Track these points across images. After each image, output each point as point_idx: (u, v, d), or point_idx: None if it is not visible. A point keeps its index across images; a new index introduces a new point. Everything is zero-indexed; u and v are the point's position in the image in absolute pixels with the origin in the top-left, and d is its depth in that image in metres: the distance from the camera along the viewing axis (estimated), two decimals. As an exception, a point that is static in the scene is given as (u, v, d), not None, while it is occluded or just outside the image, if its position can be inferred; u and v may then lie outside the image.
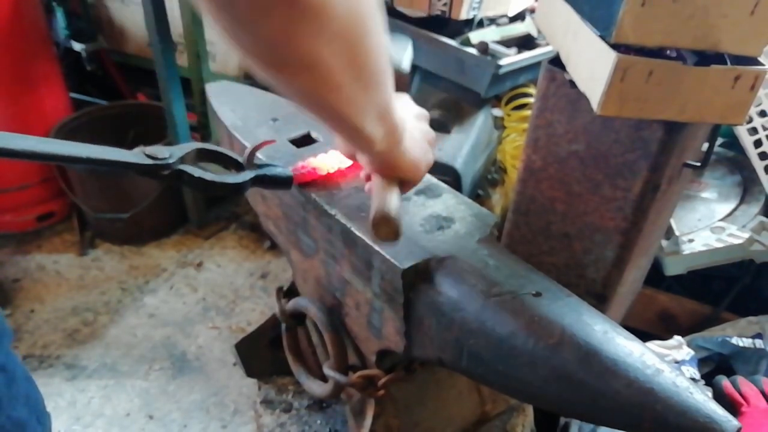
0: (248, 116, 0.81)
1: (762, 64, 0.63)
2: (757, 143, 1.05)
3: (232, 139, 0.79)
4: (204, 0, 0.27)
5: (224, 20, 0.28)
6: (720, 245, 1.02)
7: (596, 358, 0.45)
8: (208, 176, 0.50)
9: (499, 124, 1.33)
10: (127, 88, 1.96)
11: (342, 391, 0.76)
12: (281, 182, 0.58)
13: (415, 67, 1.34)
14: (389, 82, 0.38)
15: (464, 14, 1.20)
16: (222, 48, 1.66)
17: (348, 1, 0.29)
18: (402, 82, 0.54)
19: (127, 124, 1.65)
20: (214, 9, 0.28)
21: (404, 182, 0.49)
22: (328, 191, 0.64)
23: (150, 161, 0.50)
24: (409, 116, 0.49)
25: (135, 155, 0.50)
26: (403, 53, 0.57)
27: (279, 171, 0.57)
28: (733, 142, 1.21)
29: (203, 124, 1.62)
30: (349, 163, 0.66)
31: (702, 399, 0.42)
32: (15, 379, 0.49)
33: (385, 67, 0.36)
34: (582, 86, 0.70)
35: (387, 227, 0.46)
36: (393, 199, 0.47)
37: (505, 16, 1.33)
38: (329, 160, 0.66)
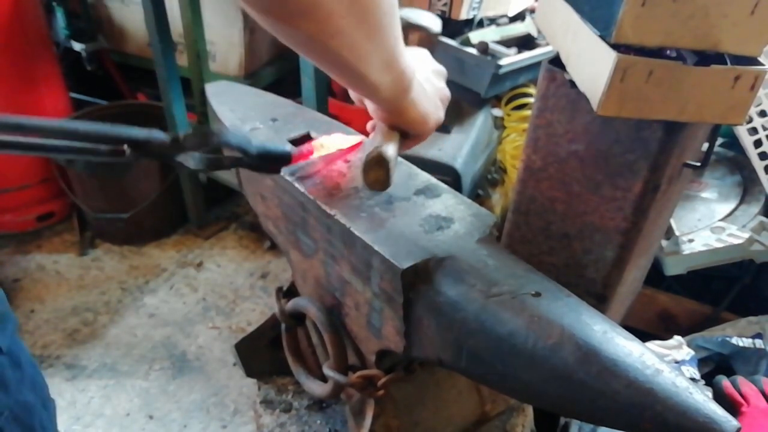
0: (248, 116, 0.81)
1: (762, 64, 0.63)
2: (757, 143, 1.05)
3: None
4: None
5: None
6: (720, 245, 1.02)
7: (596, 358, 0.45)
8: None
9: (499, 124, 1.33)
10: (127, 88, 1.96)
11: (342, 392, 0.76)
12: (280, 158, 0.55)
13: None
14: (396, 30, 0.37)
15: (464, 14, 1.20)
16: (222, 48, 1.66)
17: None
18: (430, 42, 0.55)
19: (127, 124, 1.65)
20: None
21: (409, 136, 0.48)
22: (327, 191, 0.65)
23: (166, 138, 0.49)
24: (425, 70, 0.48)
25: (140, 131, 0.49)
26: (433, 17, 0.57)
27: (278, 147, 0.55)
28: (733, 142, 1.21)
29: (203, 124, 1.62)
30: (351, 143, 0.67)
31: (702, 399, 0.41)
32: (20, 363, 0.50)
33: (390, 15, 0.36)
34: (582, 86, 0.70)
35: (378, 170, 0.44)
36: (391, 146, 0.45)
37: (505, 16, 1.33)
38: (330, 140, 0.66)
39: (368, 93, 0.42)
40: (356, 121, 1.01)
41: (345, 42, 0.34)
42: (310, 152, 0.64)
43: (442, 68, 0.52)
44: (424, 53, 0.51)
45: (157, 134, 0.46)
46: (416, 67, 0.45)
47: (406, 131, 0.47)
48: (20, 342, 0.51)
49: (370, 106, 0.47)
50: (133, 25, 1.81)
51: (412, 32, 0.57)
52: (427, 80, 0.47)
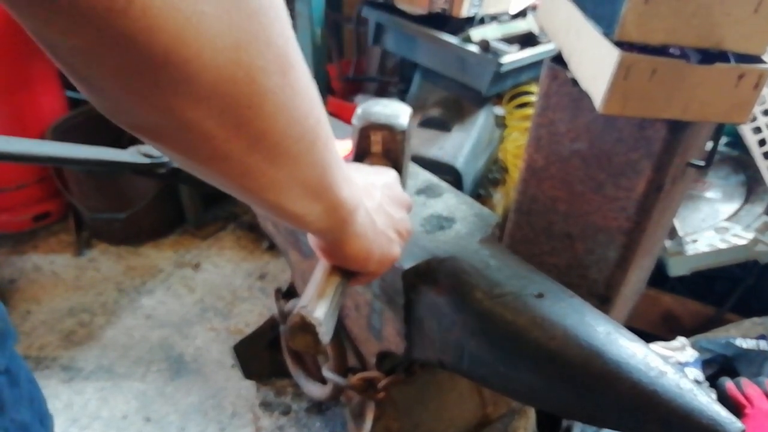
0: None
1: (766, 63, 0.62)
2: (762, 142, 1.04)
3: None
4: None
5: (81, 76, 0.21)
6: (724, 246, 1.02)
7: (599, 359, 0.44)
8: None
9: (500, 122, 1.32)
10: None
11: (341, 394, 0.75)
12: None
13: (415, 65, 1.34)
14: (324, 154, 0.30)
15: (465, 12, 1.19)
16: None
17: (226, 51, 0.22)
18: (396, 141, 0.47)
19: (124, 124, 1.64)
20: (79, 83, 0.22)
21: (356, 273, 0.40)
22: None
23: (146, 160, 0.49)
24: (379, 197, 0.40)
25: (131, 154, 0.49)
26: (402, 110, 0.49)
27: None
28: (737, 141, 1.20)
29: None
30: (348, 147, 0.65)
31: (706, 401, 0.41)
32: (18, 381, 0.49)
33: (308, 140, 0.28)
34: (584, 84, 0.69)
35: (304, 336, 0.35)
36: (324, 301, 0.37)
37: (507, 13, 1.32)
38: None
39: (293, 223, 0.34)
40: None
41: (236, 169, 0.27)
42: None
43: (404, 196, 0.45)
44: (383, 177, 0.44)
45: None
46: (366, 193, 0.38)
47: (348, 268, 0.39)
48: (19, 358, 0.50)
49: (309, 235, 0.39)
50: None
51: (374, 132, 0.48)
52: (379, 209, 0.40)
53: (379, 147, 0.49)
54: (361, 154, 0.50)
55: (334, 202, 0.33)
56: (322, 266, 0.39)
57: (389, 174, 0.45)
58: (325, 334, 0.35)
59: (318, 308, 0.36)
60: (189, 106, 0.22)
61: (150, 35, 0.19)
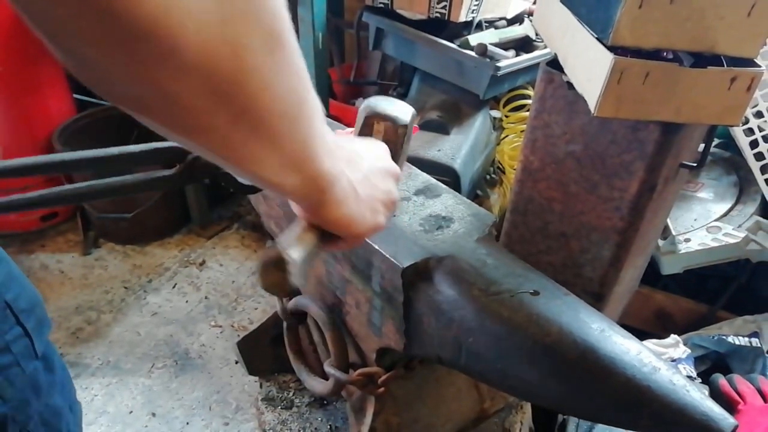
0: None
1: (758, 66, 0.63)
2: (754, 144, 1.06)
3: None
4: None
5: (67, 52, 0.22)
6: (716, 245, 1.03)
7: (593, 356, 0.45)
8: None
9: (497, 125, 1.34)
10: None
11: (342, 389, 0.77)
12: None
13: (414, 69, 1.35)
14: (305, 129, 0.30)
15: (463, 17, 1.21)
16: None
17: (211, 26, 0.21)
18: (396, 134, 0.48)
19: (130, 125, 1.66)
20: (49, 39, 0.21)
21: (334, 236, 0.40)
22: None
23: (173, 171, 0.50)
24: (365, 169, 0.41)
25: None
26: (404, 107, 0.51)
27: None
28: (730, 143, 1.22)
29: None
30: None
31: (699, 397, 0.42)
32: (54, 367, 0.50)
33: (291, 111, 0.28)
34: (579, 88, 0.70)
35: (275, 273, 0.35)
36: (300, 248, 0.37)
37: (504, 18, 1.34)
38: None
39: (272, 190, 0.35)
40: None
41: (219, 140, 0.27)
42: None
43: (393, 168, 0.45)
44: (373, 149, 0.44)
45: None
46: (351, 164, 0.38)
47: (328, 231, 0.39)
48: (53, 345, 0.52)
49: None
50: (135, 26, 1.81)
51: (377, 122, 0.50)
52: (365, 181, 0.40)
53: (380, 137, 0.50)
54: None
55: (313, 173, 0.33)
56: (301, 222, 0.39)
57: (379, 147, 0.46)
58: (297, 275, 0.36)
59: (295, 250, 0.36)
60: (172, 79, 0.22)
61: (133, 6, 0.19)
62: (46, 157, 0.56)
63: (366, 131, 0.51)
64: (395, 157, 0.51)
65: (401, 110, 0.51)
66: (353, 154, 0.40)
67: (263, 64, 0.25)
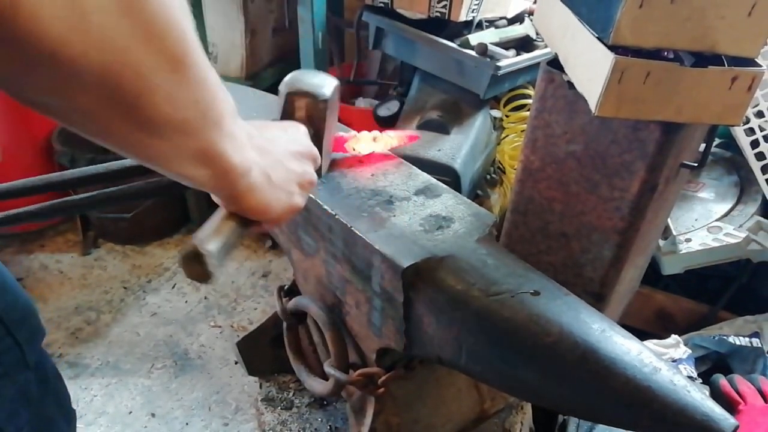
0: (249, 118, 0.81)
1: (759, 65, 0.63)
2: (754, 144, 1.06)
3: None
4: None
5: None
6: (717, 245, 1.03)
7: (594, 356, 0.45)
8: None
9: (497, 125, 1.34)
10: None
11: (342, 389, 0.77)
12: None
13: (414, 69, 1.35)
14: (212, 129, 0.32)
15: (463, 16, 1.21)
16: (223, 50, 1.67)
17: (113, 53, 0.23)
18: (318, 109, 0.49)
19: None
20: None
21: (255, 221, 0.42)
22: (328, 191, 0.65)
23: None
24: (276, 153, 0.42)
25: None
26: (327, 80, 0.51)
27: None
28: (730, 143, 1.22)
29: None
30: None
31: (699, 397, 0.42)
32: (47, 377, 0.50)
33: (195, 118, 0.30)
34: (580, 87, 0.70)
35: (195, 266, 0.37)
36: (218, 238, 0.38)
37: (504, 18, 1.34)
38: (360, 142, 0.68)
39: (186, 183, 0.36)
40: (357, 122, 1.02)
41: (124, 142, 0.29)
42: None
43: (308, 150, 0.46)
44: (289, 132, 0.45)
45: None
46: (262, 151, 0.40)
47: (245, 215, 0.41)
48: (46, 354, 0.51)
49: None
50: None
51: (298, 99, 0.50)
52: (277, 165, 0.41)
53: (302, 113, 0.51)
54: (285, 118, 0.52)
55: (223, 168, 0.35)
56: (221, 211, 0.41)
57: (296, 129, 0.47)
58: (215, 266, 0.38)
59: (211, 243, 0.38)
60: (79, 94, 0.25)
61: (37, 37, 0.21)
62: (46, 177, 0.56)
63: (289, 108, 0.51)
64: (319, 133, 0.51)
65: (321, 84, 0.51)
66: (265, 142, 0.42)
67: (165, 82, 0.27)
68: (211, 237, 0.39)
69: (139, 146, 0.30)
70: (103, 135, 0.29)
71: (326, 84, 0.51)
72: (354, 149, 0.69)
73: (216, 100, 0.32)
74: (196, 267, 0.37)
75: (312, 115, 0.50)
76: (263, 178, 0.39)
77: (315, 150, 0.47)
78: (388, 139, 0.71)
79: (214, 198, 0.41)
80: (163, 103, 0.28)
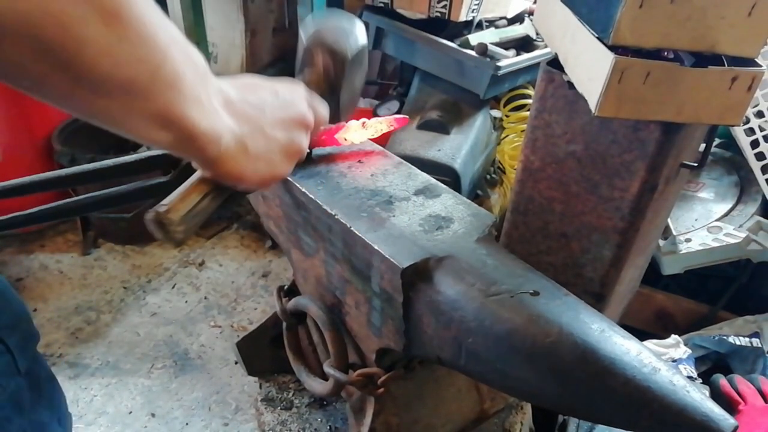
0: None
1: (759, 65, 0.63)
2: (754, 144, 1.06)
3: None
4: None
5: None
6: (717, 245, 1.03)
7: (593, 356, 0.45)
8: None
9: (497, 125, 1.34)
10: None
11: (342, 389, 0.77)
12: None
13: (414, 69, 1.35)
14: (165, 91, 0.30)
15: (463, 16, 1.21)
16: (223, 49, 1.67)
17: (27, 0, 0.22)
18: (336, 68, 0.45)
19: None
20: None
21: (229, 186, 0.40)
22: (328, 191, 0.65)
23: (168, 177, 0.50)
24: (263, 120, 0.39)
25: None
26: (356, 36, 0.46)
27: None
28: (730, 143, 1.22)
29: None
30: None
31: (699, 397, 0.42)
32: (39, 383, 0.49)
33: (141, 77, 0.28)
34: (580, 87, 0.70)
35: (159, 231, 0.38)
36: (188, 202, 0.38)
37: (504, 18, 1.34)
38: (351, 131, 0.67)
39: (149, 144, 0.34)
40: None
41: (64, 98, 0.28)
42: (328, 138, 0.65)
43: (300, 115, 0.43)
44: (281, 95, 0.42)
45: None
46: (241, 117, 0.37)
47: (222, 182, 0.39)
48: (40, 358, 0.51)
49: None
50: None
51: (317, 53, 0.46)
52: (258, 134, 0.39)
53: (320, 67, 0.47)
54: (302, 66, 0.48)
55: (186, 132, 0.33)
56: (196, 175, 0.40)
57: (292, 91, 0.44)
58: (179, 233, 0.38)
59: (174, 211, 0.38)
60: None
61: None
62: (45, 174, 0.56)
63: (307, 59, 0.48)
64: (336, 88, 0.47)
65: (345, 38, 0.46)
66: (248, 108, 0.39)
67: (98, 35, 0.26)
68: (176, 205, 0.38)
69: (84, 104, 0.29)
70: (42, 91, 0.27)
71: (351, 37, 0.46)
72: (346, 139, 0.68)
73: (169, 60, 0.30)
74: (161, 232, 0.37)
75: (329, 71, 0.46)
76: (238, 146, 0.37)
77: (309, 117, 0.44)
78: (377, 125, 0.69)
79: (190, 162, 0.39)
80: (99, 59, 0.26)
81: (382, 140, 1.18)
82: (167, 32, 0.30)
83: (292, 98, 0.44)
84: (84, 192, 1.68)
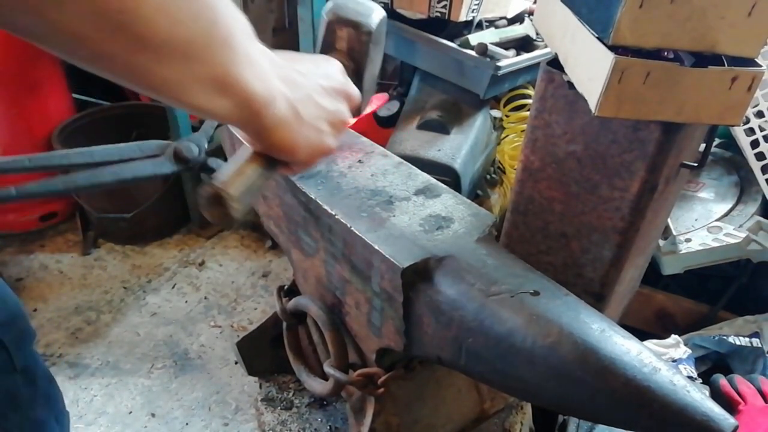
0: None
1: (759, 65, 0.63)
2: (754, 144, 1.06)
3: (233, 139, 0.80)
4: None
5: None
6: (717, 245, 1.03)
7: (594, 356, 0.45)
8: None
9: (497, 125, 1.34)
10: (129, 89, 1.97)
11: (342, 389, 0.77)
12: None
13: (414, 69, 1.35)
14: (222, 50, 0.30)
15: (463, 16, 1.21)
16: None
17: None
18: (361, 41, 0.44)
19: (129, 125, 1.66)
20: None
21: (282, 162, 0.39)
22: (328, 191, 0.65)
23: (181, 167, 0.50)
24: (308, 88, 0.39)
25: (164, 164, 0.50)
26: (374, 9, 0.46)
27: None
28: (730, 143, 1.22)
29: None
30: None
31: (699, 397, 0.42)
32: (35, 380, 0.50)
33: (198, 36, 0.28)
34: (580, 87, 0.70)
35: (216, 208, 0.35)
36: (243, 177, 0.36)
37: (504, 18, 1.34)
38: None
39: (205, 116, 0.34)
40: (357, 123, 1.02)
41: (123, 69, 0.27)
42: None
43: (343, 87, 0.42)
44: (322, 66, 0.42)
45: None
46: (291, 84, 0.37)
47: (273, 155, 0.38)
48: (36, 356, 0.51)
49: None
50: (135, 26, 1.81)
51: (340, 28, 0.45)
52: (307, 100, 0.38)
53: (343, 44, 0.46)
54: (325, 49, 0.48)
55: (243, 96, 0.32)
56: (246, 149, 0.39)
57: (329, 64, 0.44)
58: (237, 210, 0.36)
59: (233, 186, 0.36)
60: (53, 9, 0.22)
61: None
62: (47, 154, 0.56)
63: (329, 37, 0.47)
64: (361, 64, 0.47)
65: (367, 13, 0.46)
66: (294, 74, 0.39)
67: None
68: (234, 179, 0.36)
69: (144, 73, 0.27)
70: (101, 61, 0.26)
71: (373, 13, 0.46)
72: None
73: (220, 18, 0.29)
74: (218, 210, 0.35)
75: (354, 47, 0.46)
76: (291, 111, 0.36)
77: (351, 87, 0.43)
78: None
79: (239, 135, 0.38)
80: (156, 17, 0.25)
81: (383, 140, 1.18)
82: None
83: (333, 69, 0.44)
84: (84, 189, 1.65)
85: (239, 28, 0.31)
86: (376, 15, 0.47)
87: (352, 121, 0.44)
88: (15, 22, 0.23)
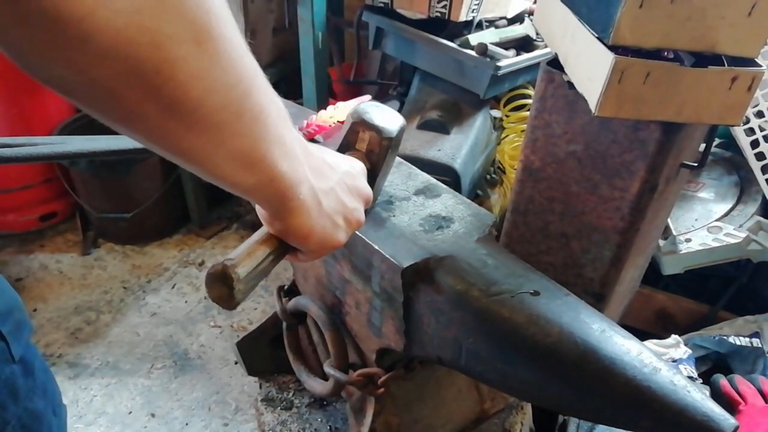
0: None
1: (759, 65, 0.63)
2: (754, 144, 1.06)
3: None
4: None
5: None
6: (717, 245, 1.03)
7: (594, 356, 0.45)
8: None
9: (497, 124, 1.34)
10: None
11: (342, 389, 0.77)
12: None
13: (414, 69, 1.35)
14: (254, 124, 0.30)
15: (463, 16, 1.21)
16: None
17: (125, 14, 0.21)
18: (380, 146, 0.48)
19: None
20: None
21: (292, 248, 0.40)
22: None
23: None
24: (332, 181, 0.40)
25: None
26: (395, 117, 0.50)
27: None
28: (731, 143, 1.22)
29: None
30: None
31: (699, 397, 0.42)
32: (33, 370, 0.50)
33: (231, 106, 0.28)
34: (580, 87, 0.70)
35: (220, 287, 0.35)
36: (251, 260, 0.37)
37: (504, 18, 1.34)
38: (333, 112, 0.68)
39: (231, 189, 0.33)
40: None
41: (154, 132, 0.27)
42: (319, 130, 0.68)
43: (364, 189, 0.44)
44: (348, 164, 0.44)
45: None
46: (318, 173, 0.38)
47: (286, 241, 0.39)
48: (34, 348, 0.51)
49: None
50: (135, 26, 1.81)
51: (363, 130, 0.49)
52: (330, 192, 0.39)
53: (363, 145, 0.49)
54: (345, 147, 0.51)
55: (270, 174, 0.32)
56: (261, 231, 0.39)
57: (354, 164, 0.46)
58: (241, 292, 0.36)
59: (242, 266, 0.36)
60: (91, 64, 0.22)
61: None
62: (48, 145, 0.56)
63: (351, 137, 0.50)
64: (377, 167, 0.50)
65: (389, 121, 0.50)
66: (322, 164, 0.39)
67: (190, 56, 0.25)
68: (243, 259, 0.36)
69: (173, 139, 0.27)
70: (126, 119, 0.26)
71: (394, 122, 0.50)
72: (315, 128, 0.70)
73: (254, 90, 0.29)
74: (221, 289, 0.35)
75: (373, 150, 0.49)
76: (314, 199, 0.37)
77: (370, 191, 0.46)
78: (344, 108, 0.73)
79: (260, 213, 0.39)
80: (191, 82, 0.25)
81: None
82: (252, 60, 0.29)
83: (357, 171, 0.45)
84: (81, 184, 1.66)
85: (274, 108, 0.31)
86: (399, 124, 0.51)
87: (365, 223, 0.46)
88: (50, 74, 0.23)
